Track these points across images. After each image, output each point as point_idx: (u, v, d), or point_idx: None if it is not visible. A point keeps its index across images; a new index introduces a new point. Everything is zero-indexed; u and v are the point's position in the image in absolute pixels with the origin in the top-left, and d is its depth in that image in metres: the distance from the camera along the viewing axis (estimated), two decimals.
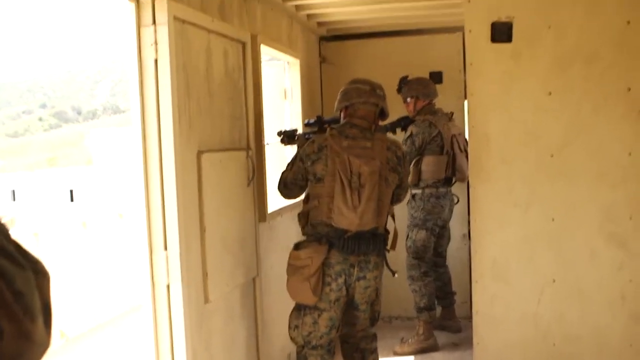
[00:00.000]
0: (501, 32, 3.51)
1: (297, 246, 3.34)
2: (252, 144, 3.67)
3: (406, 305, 5.63)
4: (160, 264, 2.80)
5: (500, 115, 3.55)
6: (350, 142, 3.23)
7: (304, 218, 3.33)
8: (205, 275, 3.04)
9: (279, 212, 4.37)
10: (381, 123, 4.99)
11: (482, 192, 3.60)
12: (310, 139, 3.40)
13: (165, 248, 2.80)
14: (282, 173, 3.47)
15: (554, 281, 3.54)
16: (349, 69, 5.69)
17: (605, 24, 3.41)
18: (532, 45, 3.49)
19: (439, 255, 5.31)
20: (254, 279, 3.66)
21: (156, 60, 2.76)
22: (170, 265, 2.80)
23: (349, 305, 3.37)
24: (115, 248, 8.40)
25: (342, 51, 5.85)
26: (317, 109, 5.75)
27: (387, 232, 3.41)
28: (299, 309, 3.31)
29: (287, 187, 3.45)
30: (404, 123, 5.01)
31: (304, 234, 3.37)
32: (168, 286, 2.81)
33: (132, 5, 2.74)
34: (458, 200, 5.27)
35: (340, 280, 3.26)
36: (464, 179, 5.15)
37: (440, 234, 5.18)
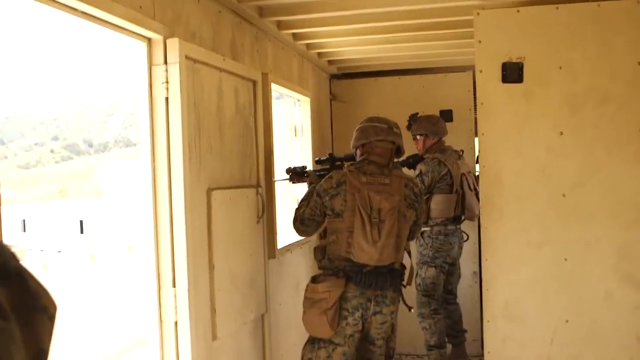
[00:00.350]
0: (512, 73, 3.51)
1: (315, 279, 3.36)
2: (262, 181, 3.66)
3: (416, 342, 5.56)
4: (169, 300, 2.78)
5: (512, 154, 3.53)
6: (368, 178, 3.27)
7: (321, 252, 3.35)
8: (213, 312, 3.02)
9: (288, 247, 4.36)
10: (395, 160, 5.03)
11: (493, 231, 3.56)
12: (328, 175, 3.42)
13: (174, 285, 2.79)
14: (297, 210, 3.47)
15: (567, 322, 3.49)
16: (360, 107, 5.72)
17: (616, 64, 3.40)
18: (543, 86, 3.48)
19: (450, 292, 5.26)
20: (262, 316, 3.63)
21: (167, 99, 2.78)
22: (179, 302, 2.78)
23: (364, 340, 3.36)
24: (123, 282, 8.37)
25: (352, 89, 5.88)
26: (328, 146, 5.77)
27: (403, 267, 3.42)
28: (313, 342, 3.30)
29: (304, 223, 3.43)
30: (412, 160, 5.01)
31: (320, 267, 3.39)
32: (176, 323, 2.79)
33: (144, 44, 2.76)
34: (467, 238, 5.24)
35: (357, 315, 3.27)
36: (473, 217, 5.13)
37: (450, 272, 5.13)
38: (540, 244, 3.52)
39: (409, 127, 5.02)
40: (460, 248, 5.17)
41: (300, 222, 3.45)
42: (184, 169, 2.77)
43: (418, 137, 5.02)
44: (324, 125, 5.68)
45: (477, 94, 3.58)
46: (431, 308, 4.93)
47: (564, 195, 3.48)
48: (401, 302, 3.41)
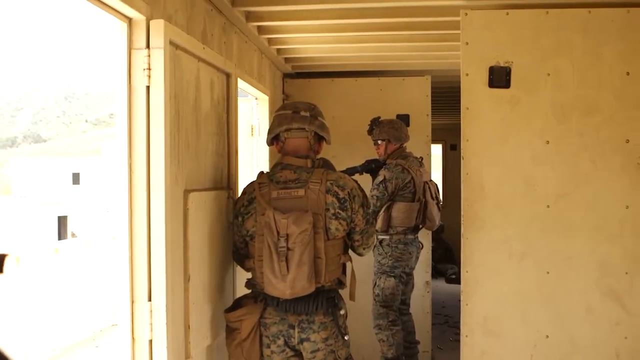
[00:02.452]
0: (499, 77, 3.38)
1: (232, 305, 2.96)
2: (234, 183, 3.39)
3: (373, 354, 5.37)
4: (144, 316, 2.47)
5: (496, 162, 3.40)
6: (280, 192, 2.79)
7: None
8: (187, 328, 2.72)
9: None
10: (347, 167, 4.83)
11: (475, 242, 3.42)
12: (243, 190, 2.95)
13: (150, 299, 2.48)
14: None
15: (547, 337, 3.38)
16: None
17: (605, 74, 3.33)
18: (530, 92, 3.37)
19: (403, 302, 5.11)
20: None
21: (148, 88, 2.47)
22: (155, 319, 2.47)
23: None
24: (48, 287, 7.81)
25: (307, 89, 5.66)
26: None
27: (340, 285, 2.92)
28: None
29: (234, 257, 3.10)
30: (375, 166, 4.83)
31: (246, 287, 2.97)
32: (151, 342, 2.48)
33: (124, 25, 2.45)
34: (422, 247, 5.11)
35: (280, 342, 2.82)
36: (433, 227, 5.01)
37: (405, 281, 4.99)
38: (522, 256, 3.40)
39: (370, 132, 4.85)
40: (417, 258, 5.04)
41: (235, 250, 3.06)
42: (165, 168, 2.47)
43: (380, 142, 4.85)
44: None
45: (462, 99, 3.43)
46: (389, 319, 4.76)
47: (548, 207, 3.38)
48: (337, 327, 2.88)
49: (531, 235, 3.39)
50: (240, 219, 2.87)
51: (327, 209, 2.77)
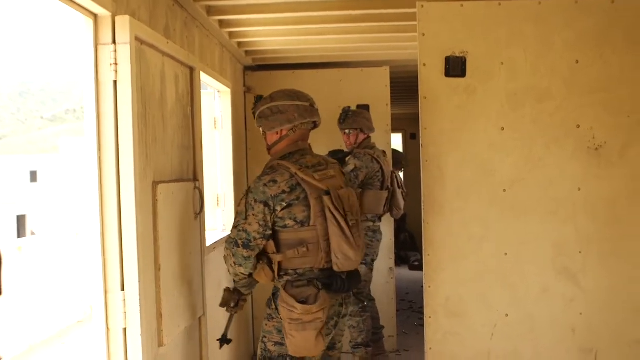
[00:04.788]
0: (455, 67, 3.50)
1: (293, 295, 2.80)
2: (200, 175, 3.45)
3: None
4: (117, 305, 2.53)
5: (454, 149, 3.52)
6: (319, 173, 2.87)
7: (272, 265, 2.85)
8: (160, 316, 2.79)
9: (214, 246, 4.15)
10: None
11: (435, 226, 3.54)
12: (270, 178, 2.83)
13: (122, 288, 2.54)
14: (236, 232, 2.84)
15: (506, 316, 3.52)
16: None
17: (555, 62, 3.47)
18: (485, 81, 3.50)
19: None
20: (200, 319, 3.41)
21: (115, 82, 2.52)
22: (128, 307, 2.53)
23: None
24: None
25: (268, 81, 5.72)
26: (243, 139, 5.59)
27: None
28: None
29: (249, 246, 2.81)
30: (341, 155, 4.93)
31: (284, 281, 2.88)
32: (125, 330, 2.54)
33: (90, 21, 2.50)
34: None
35: (332, 323, 2.94)
36: (399, 215, 5.14)
37: (372, 268, 5.10)
38: (481, 239, 3.53)
39: (342, 121, 4.92)
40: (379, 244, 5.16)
41: (245, 247, 2.81)
42: (134, 160, 2.53)
43: (351, 131, 4.93)
44: (239, 118, 5.49)
45: (420, 88, 3.54)
46: (359, 306, 4.87)
47: (504, 191, 3.51)
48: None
49: (489, 219, 3.52)
50: (280, 206, 2.79)
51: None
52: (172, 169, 3.08)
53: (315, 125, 3.11)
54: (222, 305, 3.16)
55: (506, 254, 3.51)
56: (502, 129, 3.50)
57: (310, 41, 4.97)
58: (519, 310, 3.53)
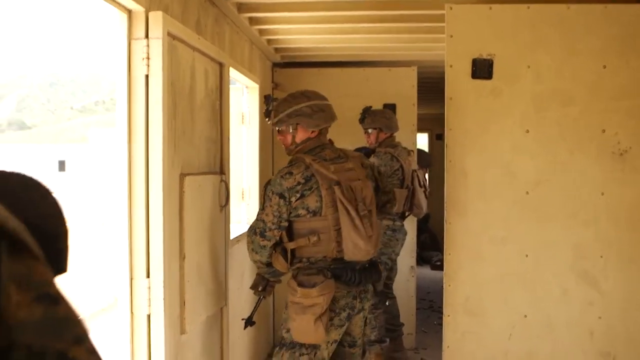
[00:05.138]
0: (482, 69, 3.52)
1: (300, 282, 2.91)
2: (226, 168, 3.52)
3: None
4: (142, 292, 2.60)
5: (478, 150, 3.55)
6: (335, 165, 2.96)
7: (287, 256, 2.97)
8: (182, 304, 2.86)
9: (238, 239, 4.21)
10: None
11: (457, 227, 3.57)
12: (287, 171, 2.95)
13: (148, 275, 2.61)
14: (255, 221, 2.99)
15: (525, 317, 3.55)
16: None
17: (582, 66, 3.48)
18: (511, 84, 3.52)
19: (387, 287, 5.26)
20: (221, 309, 3.48)
21: (147, 76, 2.59)
22: (153, 294, 2.61)
23: (342, 344, 3.13)
24: None
25: (295, 78, 5.77)
26: (270, 135, 5.65)
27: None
28: (294, 347, 2.95)
29: (265, 236, 2.93)
30: (364, 153, 4.96)
31: (292, 269, 3.00)
32: (149, 316, 2.61)
33: (124, 16, 2.57)
34: (406, 234, 5.26)
35: (343, 315, 2.99)
36: (420, 214, 5.16)
37: (390, 267, 5.13)
38: (503, 241, 3.56)
39: (362, 120, 4.97)
40: (402, 245, 5.18)
41: (261, 235, 2.94)
42: (162, 152, 2.60)
43: (371, 130, 4.98)
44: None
45: (446, 89, 3.57)
46: (372, 303, 4.89)
47: (527, 193, 3.53)
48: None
49: (511, 221, 3.54)
50: (295, 197, 2.89)
51: (368, 179, 3.09)
52: (199, 161, 3.15)
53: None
54: (251, 287, 3.29)
55: (527, 255, 3.54)
56: (527, 131, 3.52)
57: (338, 40, 5.02)
58: (538, 312, 3.55)
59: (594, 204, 3.50)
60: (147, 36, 2.59)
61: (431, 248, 10.07)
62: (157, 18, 2.58)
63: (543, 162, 3.52)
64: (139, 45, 2.58)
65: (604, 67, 3.47)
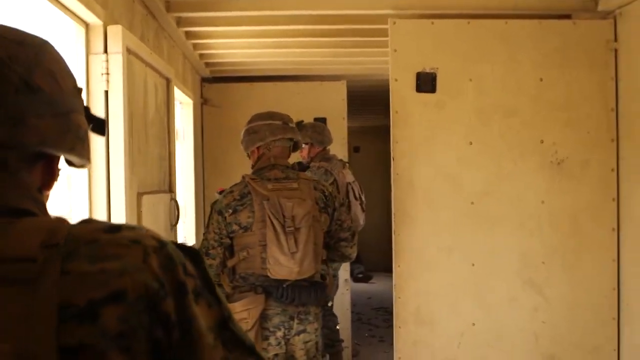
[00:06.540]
0: (426, 82, 3.60)
1: (229, 297, 2.93)
2: (174, 186, 3.43)
3: None
4: None
5: (424, 162, 3.62)
6: (274, 184, 2.95)
7: (230, 273, 2.96)
8: None
9: None
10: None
11: (405, 237, 3.62)
12: (228, 190, 3.00)
13: None
14: (202, 243, 3.02)
15: (473, 325, 3.63)
16: (232, 112, 5.54)
17: (521, 79, 3.61)
18: (455, 97, 3.61)
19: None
20: None
21: (107, 92, 2.50)
22: None
23: None
24: None
25: (225, 93, 5.71)
26: (200, 151, 5.56)
27: (324, 279, 3.06)
28: None
29: (209, 255, 2.93)
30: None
31: (232, 287, 2.97)
32: None
33: (82, 30, 2.47)
34: None
35: (279, 334, 2.92)
36: (357, 227, 5.17)
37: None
38: (450, 250, 3.63)
39: None
40: None
41: (206, 255, 2.93)
42: (124, 171, 2.51)
43: (303, 145, 4.97)
44: (196, 130, 5.46)
45: (392, 103, 3.62)
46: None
47: (472, 203, 3.62)
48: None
49: (458, 230, 3.63)
50: (228, 213, 2.91)
51: (317, 202, 3.02)
52: (152, 179, 3.06)
53: (292, 141, 3.17)
54: None
55: (474, 264, 3.62)
56: (470, 143, 3.62)
57: (273, 54, 5.01)
58: (486, 319, 3.64)
59: (537, 213, 3.62)
60: (105, 51, 2.49)
61: (354, 261, 10.12)
62: (116, 32, 2.50)
63: (487, 172, 3.62)
64: (98, 60, 2.49)
65: (541, 79, 3.61)
